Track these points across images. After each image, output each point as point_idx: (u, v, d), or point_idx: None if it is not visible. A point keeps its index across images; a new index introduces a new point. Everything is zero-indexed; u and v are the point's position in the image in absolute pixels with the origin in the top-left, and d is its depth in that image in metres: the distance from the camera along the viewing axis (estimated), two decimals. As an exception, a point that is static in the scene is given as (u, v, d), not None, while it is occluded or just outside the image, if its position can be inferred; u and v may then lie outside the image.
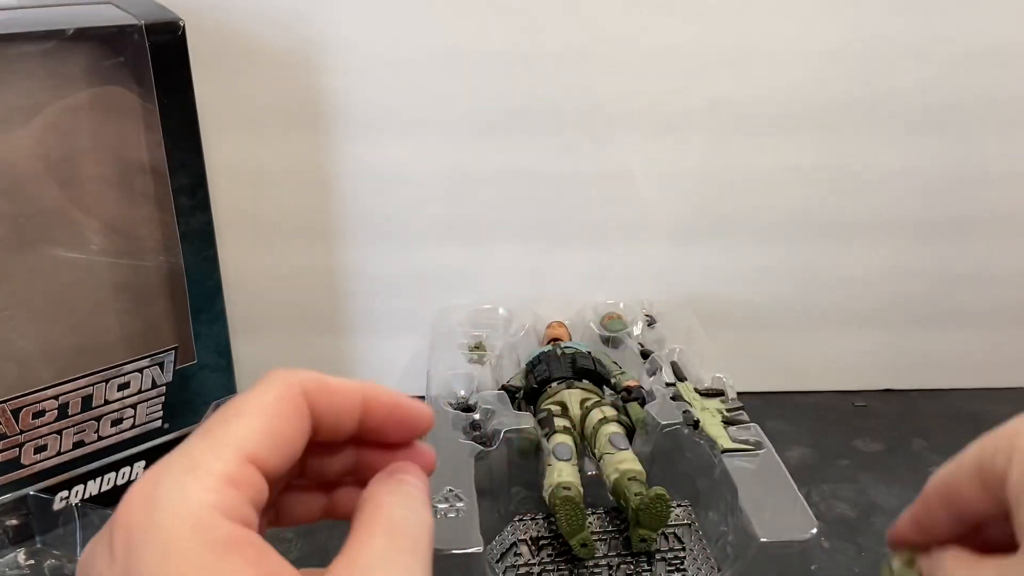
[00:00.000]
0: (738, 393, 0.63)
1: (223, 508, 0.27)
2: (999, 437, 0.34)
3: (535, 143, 0.72)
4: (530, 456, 0.60)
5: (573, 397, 0.64)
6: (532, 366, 0.68)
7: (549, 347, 0.70)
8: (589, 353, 0.69)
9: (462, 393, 0.66)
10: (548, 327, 0.75)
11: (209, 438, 0.29)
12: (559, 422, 0.61)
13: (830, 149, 0.73)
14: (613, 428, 0.60)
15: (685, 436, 0.60)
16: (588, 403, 0.63)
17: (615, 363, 0.69)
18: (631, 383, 0.66)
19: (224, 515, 0.27)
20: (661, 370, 0.67)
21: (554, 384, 0.65)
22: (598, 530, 0.58)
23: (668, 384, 0.65)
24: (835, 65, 0.71)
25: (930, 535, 0.38)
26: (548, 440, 0.60)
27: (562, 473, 0.56)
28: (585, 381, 0.66)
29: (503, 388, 0.67)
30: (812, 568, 0.53)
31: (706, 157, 0.73)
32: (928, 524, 0.38)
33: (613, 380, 0.67)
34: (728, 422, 0.60)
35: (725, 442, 0.58)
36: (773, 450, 0.58)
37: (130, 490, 0.28)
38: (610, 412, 0.62)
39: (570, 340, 0.73)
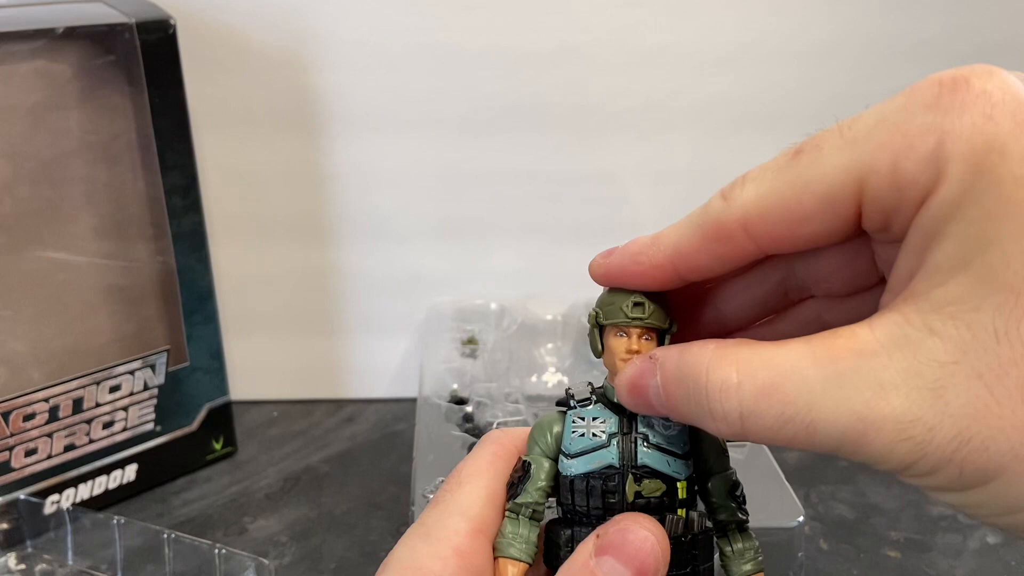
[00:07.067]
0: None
1: None
2: (902, 130, 0.24)
3: (528, 142, 0.72)
4: None
5: None
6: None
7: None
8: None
9: (455, 386, 0.67)
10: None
11: (440, 507, 0.31)
12: None
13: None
14: None
15: None
16: None
17: None
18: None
19: None
20: None
21: None
22: None
23: None
24: (830, 64, 0.70)
25: (674, 273, 0.29)
26: None
27: None
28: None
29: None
30: (799, 555, 0.54)
31: (699, 156, 0.73)
32: (694, 257, 0.28)
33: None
34: None
35: None
36: None
37: None
38: None
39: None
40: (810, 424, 0.24)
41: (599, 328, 0.32)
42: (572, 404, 0.32)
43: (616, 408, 0.31)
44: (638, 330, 0.31)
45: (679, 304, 0.32)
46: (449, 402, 0.65)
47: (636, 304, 0.31)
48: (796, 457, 0.70)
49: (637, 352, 0.30)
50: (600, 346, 0.32)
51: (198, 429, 0.68)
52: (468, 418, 0.63)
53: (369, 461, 0.70)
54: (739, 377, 0.25)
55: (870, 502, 0.65)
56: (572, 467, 0.31)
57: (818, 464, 0.70)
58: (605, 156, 0.73)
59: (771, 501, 0.54)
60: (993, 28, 0.69)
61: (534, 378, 0.75)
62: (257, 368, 0.76)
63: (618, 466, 0.30)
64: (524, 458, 0.32)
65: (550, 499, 0.32)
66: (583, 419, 0.31)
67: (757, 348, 0.26)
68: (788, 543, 0.54)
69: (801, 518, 0.54)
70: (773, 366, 0.25)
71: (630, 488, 0.30)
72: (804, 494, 0.65)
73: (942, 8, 0.69)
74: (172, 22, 0.59)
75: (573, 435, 0.31)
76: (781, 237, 0.26)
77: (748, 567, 0.31)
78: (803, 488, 0.66)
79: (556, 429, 0.32)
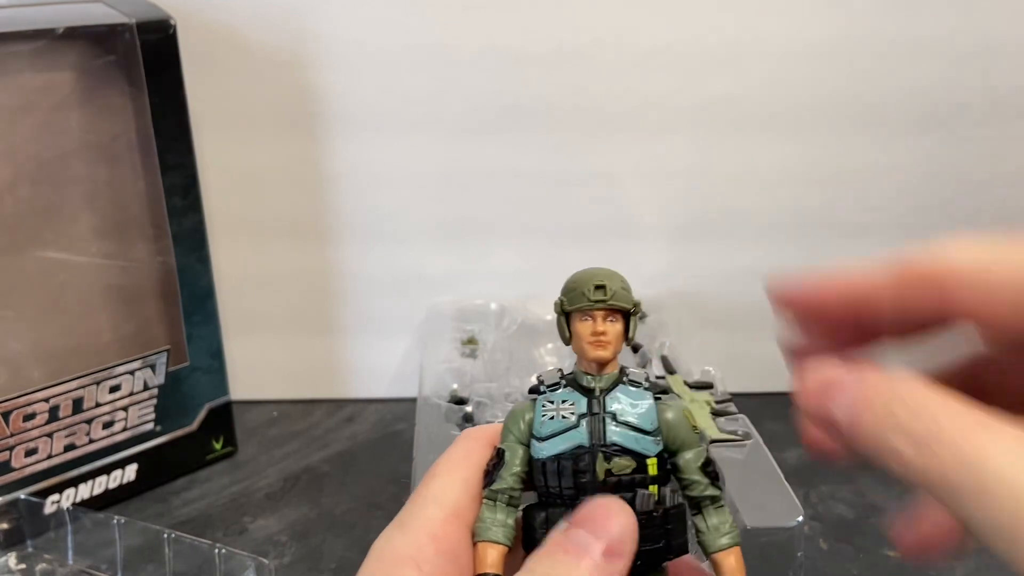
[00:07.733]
0: (736, 394, 0.63)
1: (418, 560, 0.30)
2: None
3: (528, 142, 0.72)
4: None
5: None
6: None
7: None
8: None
9: (455, 386, 0.67)
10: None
11: (416, 499, 0.32)
12: None
13: (825, 148, 0.73)
14: None
15: None
16: None
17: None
18: None
19: (417, 569, 0.30)
20: (651, 363, 0.67)
21: None
22: None
23: (659, 377, 0.65)
24: (830, 63, 0.70)
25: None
26: None
27: None
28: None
29: None
30: (799, 555, 0.54)
31: (699, 156, 0.73)
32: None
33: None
34: (716, 413, 0.61)
35: (713, 432, 0.58)
36: (761, 441, 0.58)
37: None
38: None
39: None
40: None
41: (565, 316, 0.32)
42: (542, 390, 0.33)
43: (584, 391, 0.32)
44: (602, 312, 0.32)
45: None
46: (449, 402, 0.64)
47: (597, 287, 0.32)
48: (796, 457, 0.70)
49: (603, 333, 0.31)
50: (568, 332, 0.32)
51: (198, 429, 0.68)
52: (468, 418, 0.63)
53: (369, 461, 0.70)
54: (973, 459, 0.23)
55: (870, 502, 0.65)
56: (543, 449, 0.32)
57: (818, 464, 0.70)
58: (605, 156, 0.73)
59: (771, 501, 0.54)
60: (993, 28, 0.69)
61: (534, 378, 0.75)
62: (257, 368, 0.76)
63: (588, 445, 0.31)
64: (499, 446, 0.33)
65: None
66: (552, 403, 0.32)
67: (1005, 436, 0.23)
68: (788, 543, 0.54)
69: (801, 518, 0.54)
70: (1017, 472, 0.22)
71: (600, 466, 0.30)
72: (804, 494, 0.65)
73: (942, 8, 0.69)
74: (172, 22, 0.59)
75: (543, 419, 0.32)
76: (1004, 319, 0.25)
77: (724, 540, 0.32)
78: (803, 488, 0.65)
79: (528, 416, 0.33)
